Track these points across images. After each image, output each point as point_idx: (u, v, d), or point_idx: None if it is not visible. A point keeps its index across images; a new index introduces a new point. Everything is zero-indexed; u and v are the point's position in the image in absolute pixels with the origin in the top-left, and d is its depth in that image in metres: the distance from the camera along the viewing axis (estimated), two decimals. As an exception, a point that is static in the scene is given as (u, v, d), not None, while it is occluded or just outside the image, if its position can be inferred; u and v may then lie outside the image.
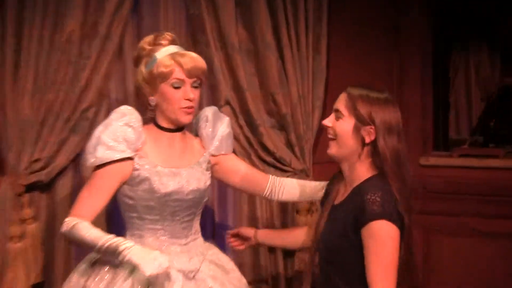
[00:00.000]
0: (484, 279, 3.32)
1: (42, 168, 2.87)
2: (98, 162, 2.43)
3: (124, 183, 2.48)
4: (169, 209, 2.49)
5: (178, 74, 2.47)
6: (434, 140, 3.41)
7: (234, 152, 2.82)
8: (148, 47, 2.54)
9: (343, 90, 3.23)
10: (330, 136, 2.39)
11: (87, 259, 2.55)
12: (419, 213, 3.20)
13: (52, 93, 2.85)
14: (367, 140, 2.33)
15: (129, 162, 2.46)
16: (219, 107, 2.97)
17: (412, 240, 2.34)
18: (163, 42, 2.53)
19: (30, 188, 2.87)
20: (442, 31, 3.41)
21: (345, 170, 2.40)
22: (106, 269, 2.46)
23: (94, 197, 2.43)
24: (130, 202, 2.49)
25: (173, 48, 2.52)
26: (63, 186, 2.98)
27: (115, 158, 2.43)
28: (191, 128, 2.73)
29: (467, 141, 3.46)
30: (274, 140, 3.15)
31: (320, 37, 3.17)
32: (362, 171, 2.36)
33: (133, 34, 3.02)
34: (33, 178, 2.85)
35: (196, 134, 2.70)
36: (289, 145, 3.16)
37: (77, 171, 2.98)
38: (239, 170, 2.71)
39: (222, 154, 2.68)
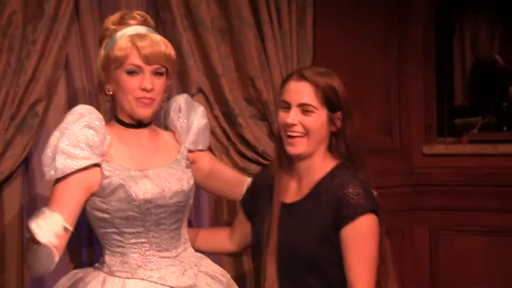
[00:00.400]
0: (501, 282, 3.13)
1: None
2: (60, 174, 2.20)
3: (93, 194, 2.25)
4: (153, 218, 2.28)
5: (134, 59, 2.26)
6: (438, 125, 3.24)
7: (209, 147, 2.62)
8: (112, 27, 2.33)
9: (335, 70, 3.05)
10: (296, 134, 2.24)
11: None
12: (424, 209, 3.14)
13: None
14: (339, 127, 2.27)
15: (96, 169, 2.25)
16: (190, 96, 2.72)
17: (383, 232, 2.30)
18: (130, 21, 2.32)
19: None
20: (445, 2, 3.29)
21: (302, 164, 2.29)
22: None
23: (60, 213, 2.16)
24: (105, 216, 2.27)
25: (137, 29, 2.30)
26: (11, 195, 2.70)
27: (79, 167, 2.20)
28: (159, 122, 2.51)
29: (477, 125, 3.30)
30: (255, 132, 2.95)
31: (305, 8, 2.95)
32: (324, 162, 2.29)
33: (87, 13, 2.75)
34: None
35: (166, 128, 2.49)
36: (273, 137, 2.96)
37: (26, 178, 2.73)
38: (216, 171, 2.53)
39: (199, 150, 2.48)
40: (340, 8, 3.07)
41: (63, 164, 2.19)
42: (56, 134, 2.23)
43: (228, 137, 2.88)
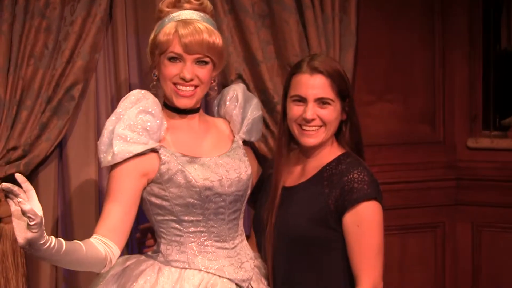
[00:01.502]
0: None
1: (21, 157, 2.63)
2: (118, 160, 2.16)
3: (151, 181, 2.21)
4: (212, 206, 2.24)
5: (176, 47, 2.23)
6: (484, 117, 3.15)
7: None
8: (166, 9, 2.30)
9: (373, 58, 3.02)
10: (314, 128, 2.26)
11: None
12: (467, 204, 3.10)
13: (30, 68, 2.62)
14: (347, 114, 2.30)
15: (153, 155, 2.22)
16: (230, 83, 2.74)
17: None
18: (185, 5, 2.28)
19: (7, 181, 2.46)
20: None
21: (310, 150, 2.31)
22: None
23: (116, 203, 2.16)
24: (163, 203, 2.23)
25: (186, 15, 2.25)
26: (46, 178, 2.75)
27: (137, 152, 2.16)
28: (212, 110, 2.55)
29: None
30: (295, 121, 2.92)
31: None
32: (331, 149, 2.31)
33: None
34: (11, 170, 2.61)
35: (220, 116, 2.49)
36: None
37: (62, 162, 2.76)
38: (254, 172, 2.47)
39: (249, 148, 2.47)
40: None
41: (121, 149, 2.16)
42: (112, 119, 2.21)
43: (267, 126, 2.85)
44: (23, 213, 1.80)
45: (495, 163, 3.06)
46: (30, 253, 1.89)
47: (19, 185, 1.85)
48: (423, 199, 3.08)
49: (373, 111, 3.03)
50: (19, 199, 1.80)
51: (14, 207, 1.82)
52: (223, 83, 2.72)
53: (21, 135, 2.61)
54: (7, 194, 1.82)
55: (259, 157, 2.75)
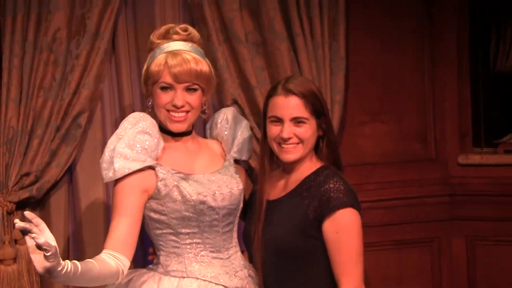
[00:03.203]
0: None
1: (33, 183, 2.78)
2: (118, 175, 2.31)
3: (150, 197, 2.36)
4: (206, 219, 2.38)
5: (166, 77, 2.38)
6: (474, 135, 3.19)
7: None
8: (156, 41, 2.44)
9: (366, 80, 3.09)
10: (292, 145, 2.38)
11: None
12: (461, 219, 3.13)
13: (40, 99, 2.76)
14: (324, 131, 2.41)
15: (151, 172, 2.36)
16: (226, 107, 2.82)
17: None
18: (174, 36, 2.43)
19: (21, 205, 2.77)
20: (480, 9, 3.21)
21: (291, 165, 2.43)
22: None
23: (122, 217, 2.30)
24: (161, 217, 2.37)
25: (175, 46, 2.40)
26: (57, 201, 2.88)
27: (136, 168, 2.31)
28: (205, 132, 2.66)
29: (512, 135, 3.21)
30: (289, 142, 2.96)
31: (337, 20, 2.97)
32: (311, 163, 2.42)
33: (126, 29, 2.91)
34: (24, 194, 2.76)
35: (213, 138, 2.63)
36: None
37: (71, 186, 2.89)
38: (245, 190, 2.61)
39: (243, 161, 2.60)
40: (372, 19, 3.08)
41: (121, 165, 2.30)
42: (113, 139, 2.36)
43: (262, 148, 2.92)
44: (39, 246, 1.94)
45: (486, 179, 3.09)
46: (50, 280, 2.05)
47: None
48: (418, 214, 3.12)
49: (367, 131, 3.11)
50: (33, 235, 1.94)
51: (29, 242, 1.96)
52: (219, 108, 2.80)
53: (33, 161, 2.74)
54: (22, 232, 1.97)
55: (255, 177, 2.82)
